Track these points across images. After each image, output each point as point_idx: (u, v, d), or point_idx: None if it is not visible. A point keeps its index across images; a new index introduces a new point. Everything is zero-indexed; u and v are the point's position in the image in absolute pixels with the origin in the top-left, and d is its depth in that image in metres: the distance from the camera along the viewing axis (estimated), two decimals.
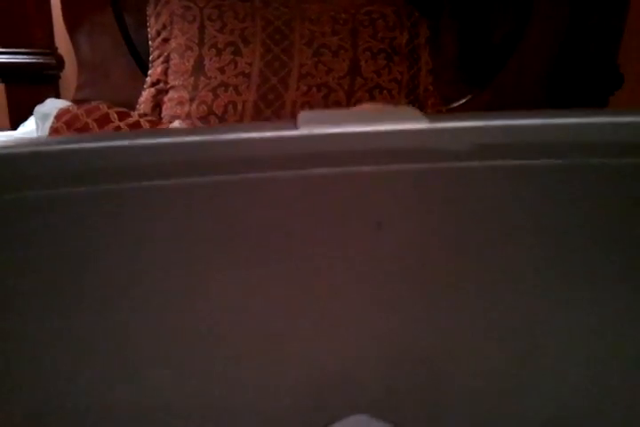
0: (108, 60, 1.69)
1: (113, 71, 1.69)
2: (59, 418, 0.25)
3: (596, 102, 1.90)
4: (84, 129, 0.93)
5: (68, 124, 0.99)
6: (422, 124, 0.18)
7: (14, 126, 1.62)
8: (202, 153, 0.18)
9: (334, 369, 0.25)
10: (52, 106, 1.14)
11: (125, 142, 0.19)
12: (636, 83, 1.89)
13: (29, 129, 1.42)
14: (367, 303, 0.23)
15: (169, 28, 1.56)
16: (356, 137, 0.18)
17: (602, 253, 0.24)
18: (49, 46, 1.70)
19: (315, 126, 0.18)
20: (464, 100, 1.76)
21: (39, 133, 1.11)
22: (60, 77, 1.73)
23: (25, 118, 1.60)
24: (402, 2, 1.64)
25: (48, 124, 1.03)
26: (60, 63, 1.72)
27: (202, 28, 1.52)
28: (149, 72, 1.59)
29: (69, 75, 1.75)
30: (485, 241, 0.22)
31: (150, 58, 1.59)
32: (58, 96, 1.72)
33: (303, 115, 0.18)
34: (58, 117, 1.03)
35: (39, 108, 1.16)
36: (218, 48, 1.50)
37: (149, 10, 1.61)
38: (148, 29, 1.60)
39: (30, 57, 1.68)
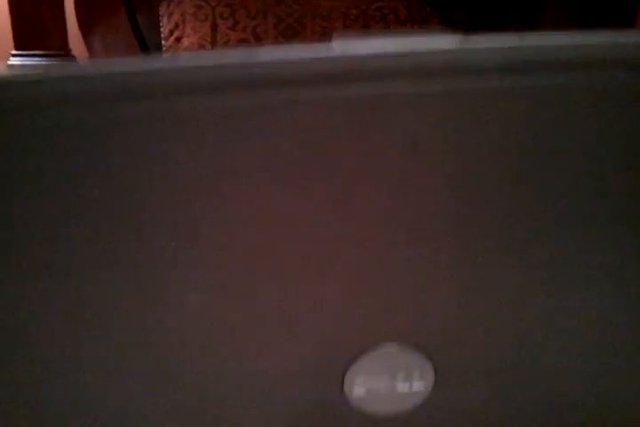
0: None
1: None
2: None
3: None
4: None
5: None
6: (457, 42, 0.18)
7: None
8: (239, 74, 0.19)
9: (365, 298, 0.25)
10: None
11: (171, 64, 0.20)
12: None
13: None
14: (401, 231, 0.23)
15: (181, 26, 1.57)
16: (391, 56, 0.18)
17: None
18: (63, 48, 1.71)
19: (349, 44, 0.18)
20: None
21: None
22: None
23: None
24: None
25: None
26: None
27: (214, 27, 1.53)
28: None
29: None
30: (521, 165, 0.22)
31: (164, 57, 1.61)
32: None
33: (336, 36, 0.18)
34: None
35: None
36: (230, 45, 1.51)
37: (162, 9, 1.62)
38: (161, 29, 1.61)
39: (45, 59, 1.70)
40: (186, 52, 1.51)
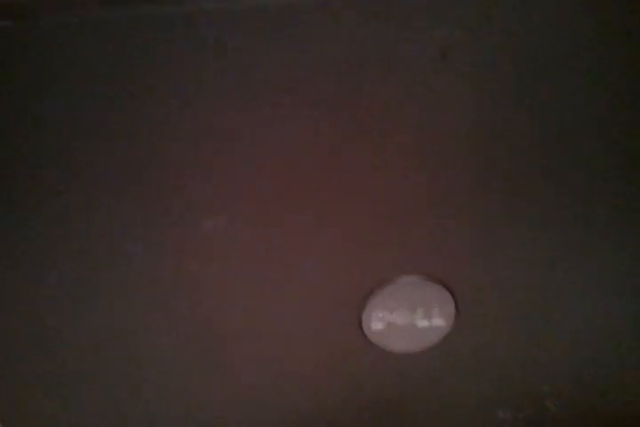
0: None
1: None
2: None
3: None
4: None
5: None
6: None
7: None
8: None
9: (386, 232, 0.24)
10: None
11: None
12: None
13: None
14: (425, 162, 0.22)
15: None
16: None
17: None
18: None
19: None
20: None
21: None
22: None
23: None
24: None
25: None
26: None
27: None
28: None
29: None
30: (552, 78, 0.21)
31: None
32: None
33: None
34: None
35: None
36: None
37: None
38: None
39: None
40: None
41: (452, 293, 0.26)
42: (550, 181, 0.23)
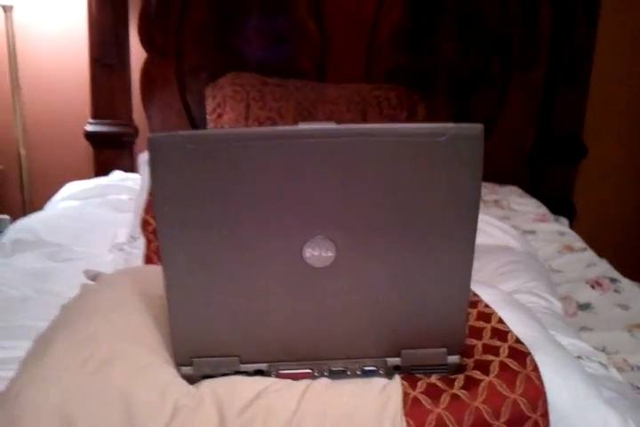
0: (173, 130, 2.16)
1: None
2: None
3: (569, 167, 2.31)
4: None
5: None
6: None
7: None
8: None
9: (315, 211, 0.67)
10: None
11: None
12: (597, 153, 2.30)
13: (115, 178, 1.89)
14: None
15: (222, 106, 2.03)
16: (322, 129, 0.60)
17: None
18: (128, 119, 2.18)
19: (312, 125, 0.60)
20: None
21: (142, 173, 1.56)
22: (134, 143, 2.21)
23: (106, 173, 2.06)
24: (404, 88, 2.10)
25: None
26: (136, 132, 2.20)
27: (247, 107, 1.99)
28: None
29: (140, 141, 2.21)
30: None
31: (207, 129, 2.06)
32: (131, 158, 2.20)
33: (302, 123, 0.61)
34: None
35: (143, 156, 1.63)
36: (260, 122, 1.97)
37: (207, 92, 2.09)
38: (206, 107, 2.08)
39: (114, 127, 2.17)
40: (228, 125, 1.96)
41: (335, 243, 0.67)
42: (398, 227, 0.66)
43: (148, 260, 1.15)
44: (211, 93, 2.07)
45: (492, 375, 0.71)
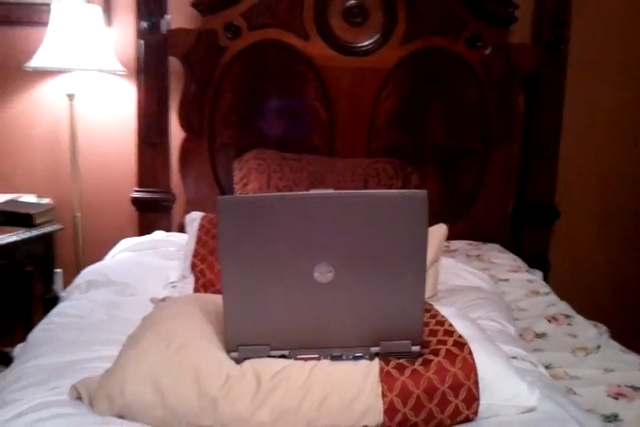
0: (205, 197, 2.55)
1: (208, 205, 2.52)
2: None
3: (544, 228, 2.67)
4: (215, 222, 1.77)
5: (208, 221, 1.83)
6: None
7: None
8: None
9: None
10: (195, 215, 1.98)
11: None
12: (570, 215, 2.67)
13: (158, 236, 2.28)
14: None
15: (247, 177, 2.43)
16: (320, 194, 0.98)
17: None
18: (167, 187, 2.59)
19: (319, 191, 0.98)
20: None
21: (189, 230, 1.94)
22: (172, 208, 2.60)
23: (148, 233, 2.45)
24: (399, 161, 2.50)
25: (196, 223, 1.87)
26: (174, 199, 2.60)
27: (269, 178, 2.39)
28: None
29: (177, 206, 2.61)
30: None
31: None
32: (169, 220, 2.59)
33: (313, 189, 0.99)
34: (202, 218, 1.88)
35: (189, 216, 2.02)
36: (279, 189, 2.36)
37: (235, 165, 2.49)
38: (234, 178, 2.48)
39: (155, 194, 2.57)
40: (253, 193, 2.36)
41: (334, 266, 1.03)
42: (374, 258, 1.02)
43: (197, 292, 1.52)
44: (237, 166, 2.47)
45: (440, 357, 1.06)
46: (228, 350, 1.09)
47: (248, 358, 1.07)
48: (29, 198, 2.55)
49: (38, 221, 2.38)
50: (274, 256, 1.03)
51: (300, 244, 1.03)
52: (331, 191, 1.02)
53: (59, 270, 2.63)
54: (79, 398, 1.10)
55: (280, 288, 1.05)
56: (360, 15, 2.47)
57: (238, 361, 1.07)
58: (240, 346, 1.08)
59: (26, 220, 2.35)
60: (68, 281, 2.57)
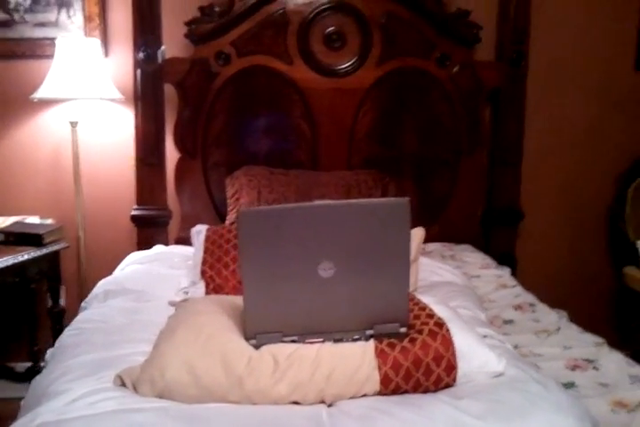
0: (199, 213, 2.76)
1: (202, 220, 2.64)
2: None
3: (510, 229, 2.92)
4: (220, 233, 1.99)
5: (213, 232, 2.05)
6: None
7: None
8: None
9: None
10: (200, 228, 2.19)
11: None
12: (533, 216, 2.93)
13: (159, 250, 2.48)
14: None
15: (239, 192, 2.63)
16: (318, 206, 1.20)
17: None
18: (164, 204, 2.79)
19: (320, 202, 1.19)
20: None
21: (195, 241, 2.14)
22: (168, 224, 2.80)
23: (147, 247, 2.64)
24: (377, 172, 2.72)
25: (202, 235, 2.08)
26: (170, 215, 2.80)
27: (259, 192, 2.60)
28: (227, 219, 2.64)
29: (173, 222, 2.81)
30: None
31: (228, 210, 2.66)
32: (166, 235, 2.79)
33: (315, 200, 1.20)
34: (207, 230, 2.09)
35: (194, 229, 2.23)
36: (269, 203, 2.58)
37: (227, 182, 2.70)
38: (227, 193, 2.68)
39: (153, 211, 2.77)
40: (245, 206, 2.57)
41: (335, 263, 1.25)
42: (367, 257, 1.25)
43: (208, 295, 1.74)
44: (230, 183, 2.68)
45: (423, 335, 1.29)
46: (247, 338, 1.30)
47: (264, 344, 1.29)
48: (33, 220, 2.73)
49: (47, 240, 2.57)
50: (285, 257, 1.25)
51: (306, 245, 1.25)
52: (330, 202, 1.25)
53: (62, 287, 2.82)
54: (122, 385, 1.30)
55: (290, 283, 1.27)
56: (339, 40, 2.71)
57: (257, 347, 1.29)
58: (257, 334, 1.30)
59: (35, 239, 2.53)
60: (70, 296, 2.78)
